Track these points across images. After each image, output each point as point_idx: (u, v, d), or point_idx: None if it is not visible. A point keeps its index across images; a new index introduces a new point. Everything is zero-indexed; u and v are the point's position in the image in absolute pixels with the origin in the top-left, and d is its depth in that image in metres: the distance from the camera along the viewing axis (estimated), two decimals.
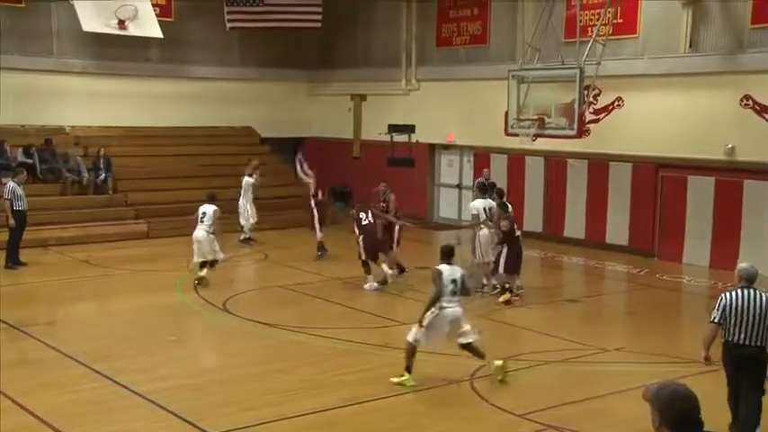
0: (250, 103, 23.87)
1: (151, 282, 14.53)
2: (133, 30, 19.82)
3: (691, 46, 16.67)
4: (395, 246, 15.15)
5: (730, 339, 7.60)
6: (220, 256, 14.23)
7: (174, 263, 15.49)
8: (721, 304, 7.58)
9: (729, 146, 16.00)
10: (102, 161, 19.94)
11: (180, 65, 22.87)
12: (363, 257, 14.16)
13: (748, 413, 7.59)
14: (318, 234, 16.79)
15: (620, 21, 17.33)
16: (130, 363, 9.86)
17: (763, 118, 15.55)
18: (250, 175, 18.75)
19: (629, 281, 15.80)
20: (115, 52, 21.56)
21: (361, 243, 14.14)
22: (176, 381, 9.30)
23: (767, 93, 15.44)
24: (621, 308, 14.33)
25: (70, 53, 21.36)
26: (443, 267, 9.24)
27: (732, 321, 7.53)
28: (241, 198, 18.51)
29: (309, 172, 18.24)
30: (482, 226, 13.75)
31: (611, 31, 16.48)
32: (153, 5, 20.66)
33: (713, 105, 16.26)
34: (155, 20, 20.23)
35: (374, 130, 21.79)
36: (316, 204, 17.14)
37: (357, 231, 14.27)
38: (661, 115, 17.07)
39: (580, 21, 16.67)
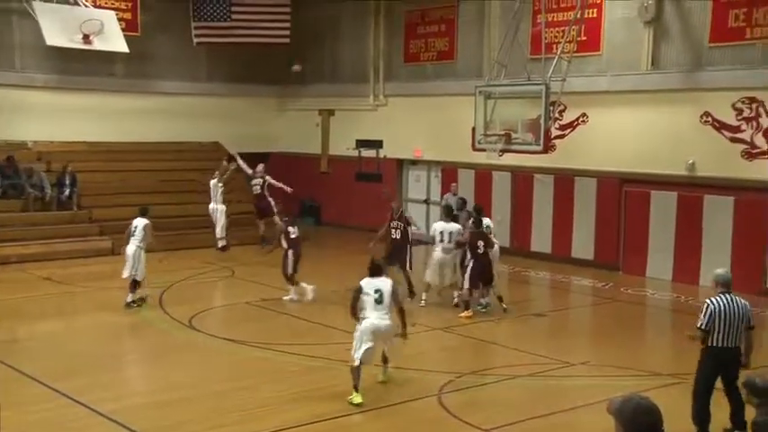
0: (218, 119, 23.78)
1: (115, 299, 14.32)
2: (98, 44, 19.63)
3: (653, 64, 16.98)
4: (408, 266, 14.47)
5: (716, 345, 7.85)
6: (140, 277, 13.47)
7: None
8: (708, 311, 7.81)
9: (690, 161, 16.27)
10: (67, 177, 19.71)
11: (146, 80, 22.73)
12: (290, 271, 14.11)
13: (737, 403, 7.85)
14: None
15: (585, 38, 17.58)
16: (93, 381, 9.71)
17: (722, 134, 15.85)
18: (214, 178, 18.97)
19: (594, 295, 15.95)
20: (79, 67, 21.36)
21: (290, 257, 14.05)
22: (140, 399, 9.19)
23: (725, 110, 15.75)
24: (587, 322, 14.46)
25: (33, 67, 21.13)
26: (364, 281, 9.26)
27: (719, 327, 7.80)
28: (212, 202, 18.75)
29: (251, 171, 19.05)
30: (435, 248, 13.94)
31: (575, 49, 16.70)
32: (119, 20, 20.51)
33: (674, 122, 16.54)
34: (120, 34, 20.07)
35: (342, 146, 21.87)
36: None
37: (285, 245, 14.18)
38: (624, 131, 17.33)
39: (545, 38, 16.87)
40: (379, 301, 9.10)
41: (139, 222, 13.68)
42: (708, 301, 7.91)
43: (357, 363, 9.01)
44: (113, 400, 9.02)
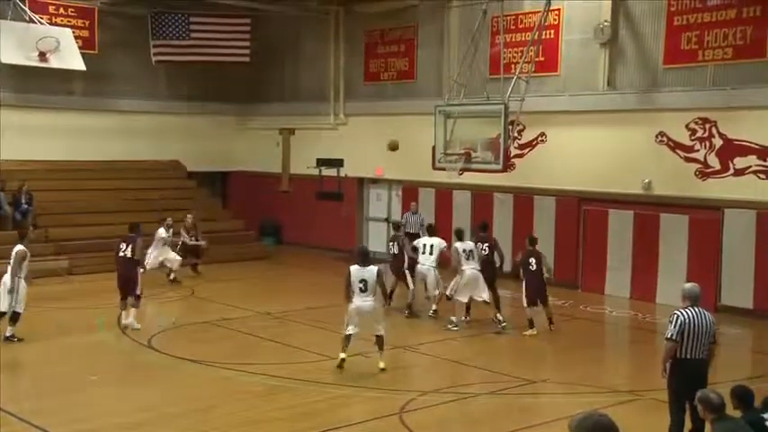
0: (177, 137, 23.63)
1: (72, 320, 14.10)
2: (54, 62, 19.36)
3: (609, 84, 17.31)
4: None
5: (685, 356, 7.90)
6: (20, 308, 12.23)
7: (97, 300, 15.09)
8: (678, 322, 7.87)
9: (646, 180, 16.58)
10: (23, 196, 19.38)
11: (105, 98, 22.51)
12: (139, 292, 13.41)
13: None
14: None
15: (543, 59, 17.87)
16: (49, 404, 9.53)
17: (677, 154, 16.20)
18: (167, 228, 17.78)
19: (554, 312, 16.07)
20: (37, 85, 21.07)
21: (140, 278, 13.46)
22: (99, 421, 9.02)
23: (680, 130, 16.10)
24: (547, 340, 14.56)
25: None
26: (353, 268, 10.77)
27: (687, 339, 7.87)
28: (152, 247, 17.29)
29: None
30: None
31: (533, 69, 16.96)
32: (76, 38, 20.24)
33: (631, 141, 16.85)
34: (77, 52, 19.82)
35: (303, 164, 21.86)
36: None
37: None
38: (582, 150, 17.60)
39: (504, 58, 17.11)
40: (363, 290, 10.71)
41: (13, 249, 12.33)
42: (677, 312, 7.95)
43: (345, 334, 10.81)
44: (70, 422, 8.86)
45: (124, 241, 13.41)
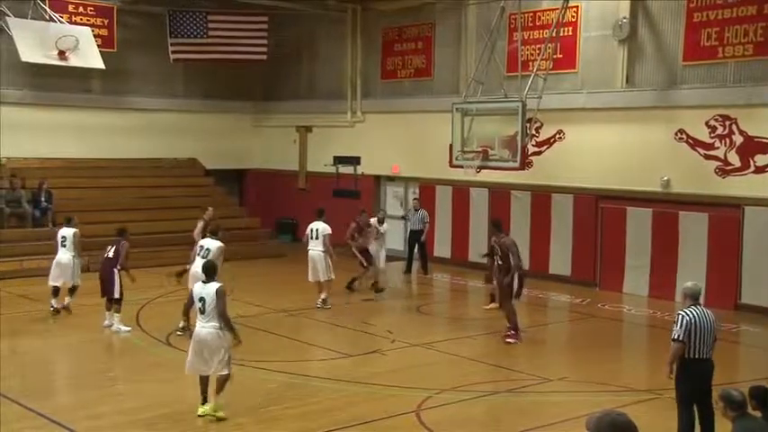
0: (194, 135, 23.72)
1: (92, 316, 14.19)
2: (74, 61, 19.51)
3: (627, 81, 17.19)
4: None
5: (694, 356, 7.84)
6: (78, 282, 14.17)
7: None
8: (684, 322, 7.80)
9: (665, 178, 16.46)
10: (43, 194, 19.54)
11: (123, 96, 22.64)
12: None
13: (710, 417, 7.87)
14: None
15: (560, 56, 17.78)
16: (70, 400, 9.61)
17: (696, 151, 16.06)
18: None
19: (571, 311, 16.03)
20: (55, 83, 21.23)
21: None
22: (118, 418, 9.07)
23: (699, 127, 15.96)
24: (565, 338, 14.52)
25: (7, 83, 20.91)
26: (196, 284, 9.12)
27: (694, 338, 7.81)
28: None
29: None
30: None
31: (551, 66, 16.88)
32: (95, 36, 20.41)
33: (649, 139, 16.73)
34: (96, 51, 19.97)
35: (319, 162, 21.88)
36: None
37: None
38: (600, 148, 17.50)
39: (521, 56, 17.05)
40: (202, 311, 8.83)
41: (67, 232, 14.20)
42: (681, 312, 7.90)
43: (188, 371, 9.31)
44: (90, 418, 8.92)
45: (111, 244, 13.42)
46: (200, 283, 9.02)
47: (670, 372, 7.98)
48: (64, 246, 14.10)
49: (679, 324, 7.82)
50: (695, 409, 7.96)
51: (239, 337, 9.13)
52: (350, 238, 16.43)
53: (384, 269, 17.55)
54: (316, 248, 15.05)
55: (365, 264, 16.41)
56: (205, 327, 8.82)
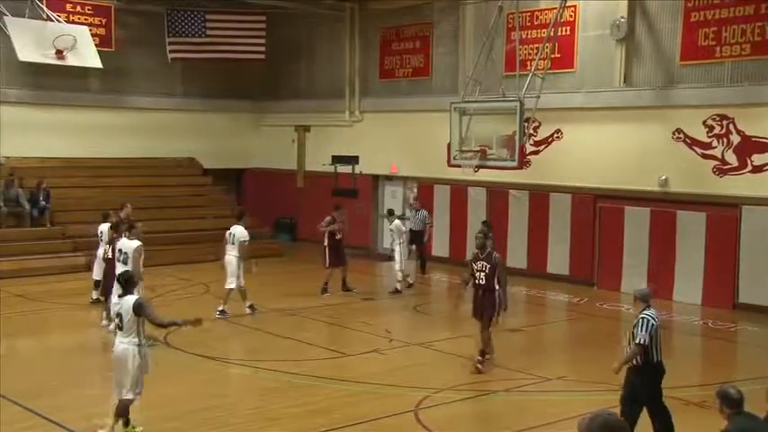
0: (193, 134, 23.74)
1: (89, 316, 14.20)
2: (72, 60, 19.50)
3: (625, 81, 17.21)
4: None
5: (655, 359, 7.94)
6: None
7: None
8: (649, 326, 7.87)
9: (663, 177, 16.48)
10: (41, 193, 19.54)
11: (121, 95, 22.64)
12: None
13: (667, 418, 7.99)
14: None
15: (558, 55, 17.79)
16: (68, 400, 9.60)
17: (694, 151, 16.09)
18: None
19: (569, 310, 16.06)
20: (53, 82, 21.23)
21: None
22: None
23: (697, 126, 15.99)
24: (563, 337, 14.54)
25: (6, 83, 20.91)
26: (112, 300, 8.64)
27: (655, 341, 7.91)
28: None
29: None
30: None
31: (549, 66, 16.89)
32: (92, 35, 20.39)
33: (647, 138, 16.75)
34: (94, 50, 19.96)
35: (318, 161, 21.85)
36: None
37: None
38: (598, 147, 17.52)
39: (519, 55, 17.06)
40: (120, 328, 8.33)
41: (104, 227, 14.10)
42: (644, 316, 7.94)
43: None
44: (88, 418, 8.91)
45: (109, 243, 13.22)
46: (116, 297, 8.30)
47: (619, 370, 8.09)
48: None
49: (645, 329, 7.85)
50: (646, 409, 8.03)
51: (192, 321, 8.64)
52: (324, 227, 16.21)
53: (406, 269, 17.15)
54: (230, 253, 14.15)
55: (327, 263, 16.12)
56: (122, 343, 8.20)
